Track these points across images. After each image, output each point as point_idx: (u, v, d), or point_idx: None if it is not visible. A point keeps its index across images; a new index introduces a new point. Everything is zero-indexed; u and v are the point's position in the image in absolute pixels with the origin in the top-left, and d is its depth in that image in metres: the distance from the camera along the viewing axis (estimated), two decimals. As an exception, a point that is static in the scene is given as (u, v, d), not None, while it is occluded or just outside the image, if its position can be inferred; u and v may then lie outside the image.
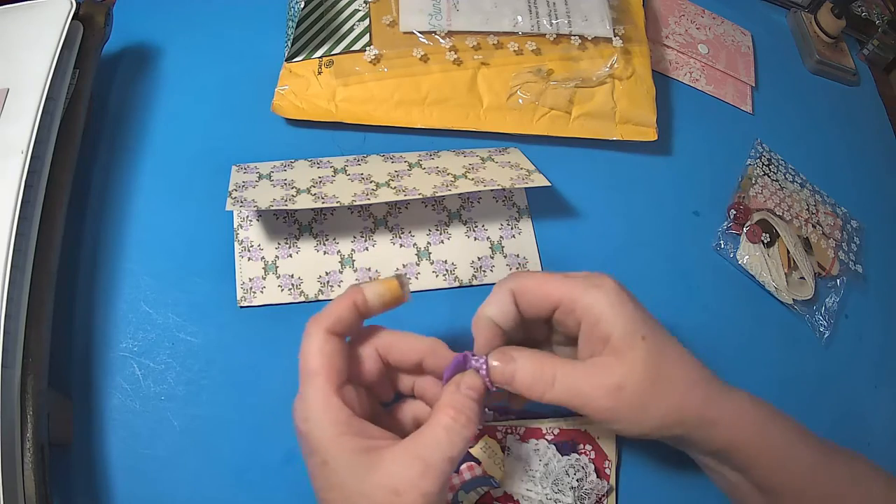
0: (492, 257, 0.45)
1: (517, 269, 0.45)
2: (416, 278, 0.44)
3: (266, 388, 0.40)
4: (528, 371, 0.31)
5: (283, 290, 0.42)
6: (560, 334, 0.36)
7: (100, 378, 0.38)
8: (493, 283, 0.44)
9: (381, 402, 0.35)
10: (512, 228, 0.46)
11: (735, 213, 0.52)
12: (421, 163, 0.46)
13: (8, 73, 0.37)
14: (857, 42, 0.71)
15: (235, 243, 0.43)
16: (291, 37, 0.47)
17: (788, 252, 0.51)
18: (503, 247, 0.46)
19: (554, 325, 0.35)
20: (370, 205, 0.45)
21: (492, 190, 0.47)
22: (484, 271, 0.45)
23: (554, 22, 0.50)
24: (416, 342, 0.33)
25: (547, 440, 0.40)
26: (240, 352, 0.40)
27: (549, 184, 0.43)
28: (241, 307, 0.41)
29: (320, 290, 0.42)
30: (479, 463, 0.38)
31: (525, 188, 0.48)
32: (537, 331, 0.36)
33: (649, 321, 0.32)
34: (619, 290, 0.32)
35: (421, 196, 0.41)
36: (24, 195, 0.34)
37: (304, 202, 0.40)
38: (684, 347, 0.33)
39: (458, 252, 0.45)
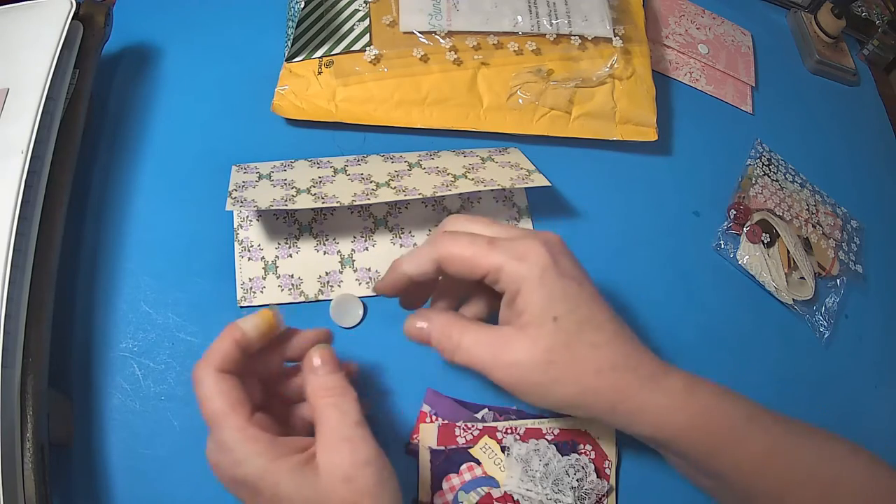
0: None
1: None
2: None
3: (266, 388, 0.40)
4: (437, 334, 0.33)
5: (283, 289, 0.42)
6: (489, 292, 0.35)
7: (100, 378, 0.38)
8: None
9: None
10: None
11: (735, 213, 0.52)
12: (421, 163, 0.46)
13: (8, 73, 0.37)
14: (857, 42, 0.71)
15: (235, 243, 0.43)
16: (291, 37, 0.47)
17: (788, 252, 0.51)
18: None
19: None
20: (370, 205, 0.45)
21: (492, 190, 0.47)
22: None
23: (554, 22, 0.50)
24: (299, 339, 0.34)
25: (547, 440, 0.40)
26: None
27: (549, 184, 0.43)
28: (242, 307, 0.41)
29: (320, 290, 0.42)
30: (478, 463, 0.38)
31: (525, 188, 0.48)
32: (469, 284, 0.36)
33: (572, 300, 0.31)
34: (546, 266, 0.31)
35: (421, 196, 0.41)
36: (24, 195, 0.34)
37: (304, 202, 0.40)
38: (615, 331, 0.31)
39: None
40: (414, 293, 0.37)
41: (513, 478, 0.38)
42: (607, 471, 0.40)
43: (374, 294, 0.39)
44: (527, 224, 0.47)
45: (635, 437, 0.33)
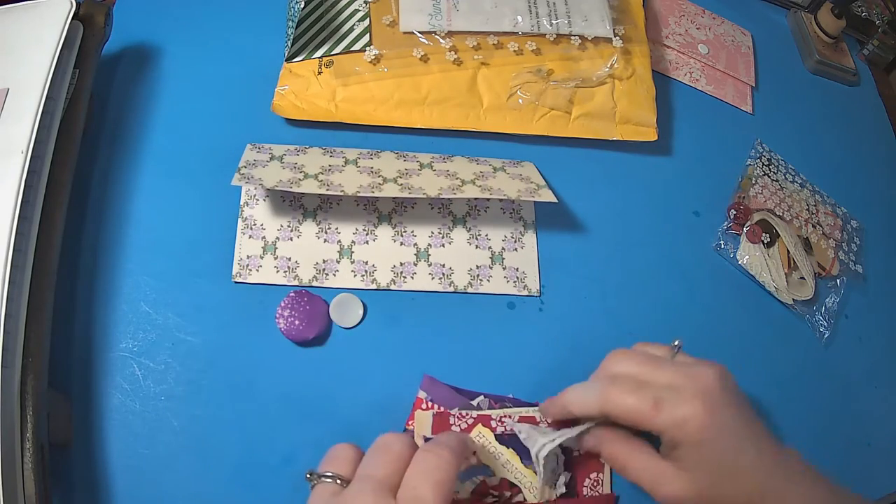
0: (491, 267, 0.45)
1: (514, 283, 0.45)
2: (412, 278, 0.44)
3: (265, 389, 0.40)
4: (608, 455, 0.37)
5: (278, 271, 0.42)
6: None
7: (100, 378, 0.38)
8: (488, 293, 0.45)
9: None
10: (515, 241, 0.46)
11: (735, 213, 0.52)
12: (433, 164, 0.46)
13: (8, 73, 0.37)
14: (857, 42, 0.71)
15: (239, 220, 0.44)
16: (291, 37, 0.47)
17: (788, 252, 0.51)
18: (504, 259, 0.46)
19: None
20: (376, 199, 0.46)
21: (500, 200, 0.47)
22: (481, 280, 0.45)
23: (554, 22, 0.50)
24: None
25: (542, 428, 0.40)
26: (239, 352, 0.40)
27: (556, 200, 0.44)
28: (235, 282, 0.42)
29: (315, 277, 0.43)
30: (473, 452, 0.38)
31: (534, 204, 0.48)
32: None
33: (721, 449, 0.34)
34: (702, 431, 0.34)
35: (426, 196, 0.41)
36: (24, 195, 0.34)
37: (308, 187, 0.41)
38: (754, 468, 0.34)
39: (457, 257, 0.45)
40: None
41: (507, 466, 0.38)
42: (602, 459, 0.40)
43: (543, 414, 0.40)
44: (531, 239, 0.47)
45: None
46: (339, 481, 0.31)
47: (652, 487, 0.35)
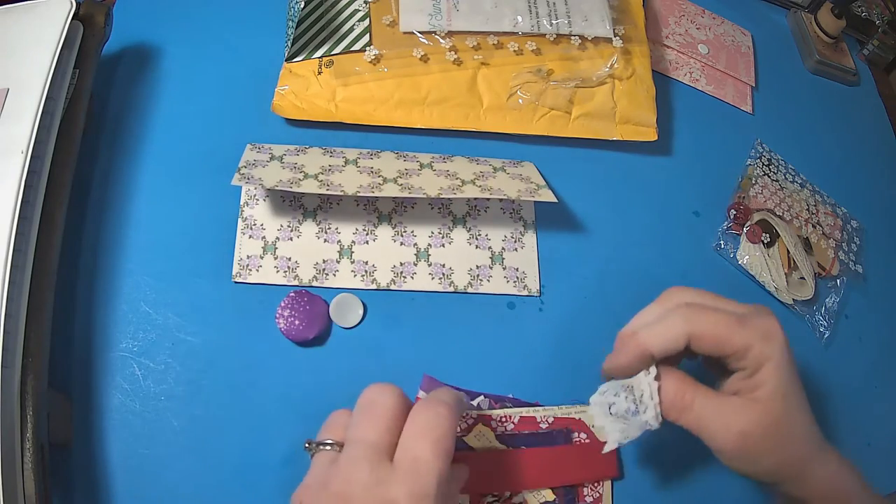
0: (490, 267, 0.45)
1: (514, 283, 0.45)
2: (412, 278, 0.44)
3: (265, 389, 0.40)
4: (670, 391, 0.34)
5: (278, 271, 0.42)
6: (712, 361, 0.37)
7: (100, 378, 0.38)
8: (488, 293, 0.45)
9: None
10: (515, 241, 0.46)
11: (735, 213, 0.52)
12: (433, 164, 0.46)
13: (8, 73, 0.37)
14: (857, 42, 0.71)
15: (239, 220, 0.44)
16: (291, 37, 0.47)
17: (788, 252, 0.51)
18: (503, 259, 0.46)
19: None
20: (376, 199, 0.46)
21: (500, 200, 0.47)
22: (481, 280, 0.45)
23: (554, 22, 0.50)
24: None
25: (541, 428, 0.40)
26: (240, 352, 0.40)
27: (556, 200, 0.44)
28: (235, 282, 0.42)
29: (314, 277, 0.43)
30: (473, 451, 0.38)
31: (534, 204, 0.48)
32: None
33: (793, 380, 0.33)
34: (785, 346, 0.33)
35: (426, 196, 0.41)
36: (24, 195, 0.34)
37: (308, 187, 0.41)
38: (805, 403, 0.34)
39: (457, 257, 0.45)
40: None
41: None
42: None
43: (605, 374, 0.36)
44: (531, 239, 0.47)
45: (780, 496, 0.36)
46: (338, 448, 0.30)
47: (723, 427, 0.33)
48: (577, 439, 0.40)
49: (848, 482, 0.35)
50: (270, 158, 0.44)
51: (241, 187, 0.44)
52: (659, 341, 0.33)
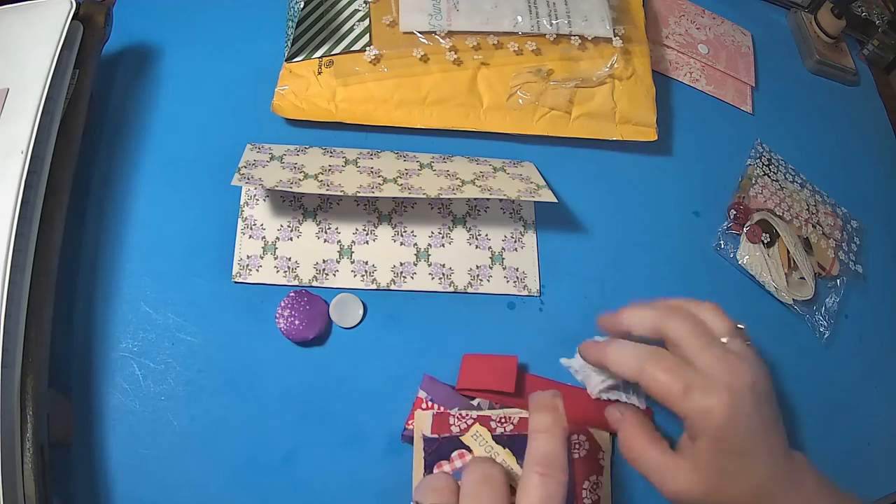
0: (490, 267, 0.45)
1: (514, 283, 0.45)
2: (412, 278, 0.44)
3: (266, 389, 0.40)
4: (623, 437, 0.38)
5: (278, 271, 0.42)
6: None
7: (100, 378, 0.38)
8: (488, 293, 0.45)
9: None
10: (515, 241, 0.46)
11: (735, 213, 0.52)
12: (433, 164, 0.46)
13: (8, 73, 0.37)
14: (857, 42, 0.71)
15: (239, 220, 0.44)
16: (291, 37, 0.47)
17: (788, 252, 0.51)
18: (503, 258, 0.46)
19: None
20: (376, 200, 0.46)
21: (500, 200, 0.47)
22: (481, 280, 0.45)
23: (554, 22, 0.50)
24: None
25: None
26: (240, 352, 0.40)
27: (556, 200, 0.44)
28: (235, 282, 0.42)
29: (314, 277, 0.43)
30: (469, 451, 0.38)
31: (534, 204, 0.48)
32: None
33: (738, 449, 0.34)
34: (725, 426, 0.33)
35: (425, 196, 0.41)
36: (23, 195, 0.34)
37: (308, 187, 0.41)
38: (767, 475, 0.34)
39: (457, 257, 0.45)
40: None
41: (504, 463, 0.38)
42: (601, 462, 0.40)
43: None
44: (531, 239, 0.47)
45: None
46: None
47: (661, 481, 0.35)
48: (576, 441, 0.41)
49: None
50: (270, 158, 0.44)
51: (241, 187, 0.44)
52: (619, 370, 0.36)
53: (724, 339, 0.37)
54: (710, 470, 0.34)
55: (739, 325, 0.38)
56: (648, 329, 0.37)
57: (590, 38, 0.50)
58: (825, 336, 0.50)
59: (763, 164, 0.56)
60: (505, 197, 0.43)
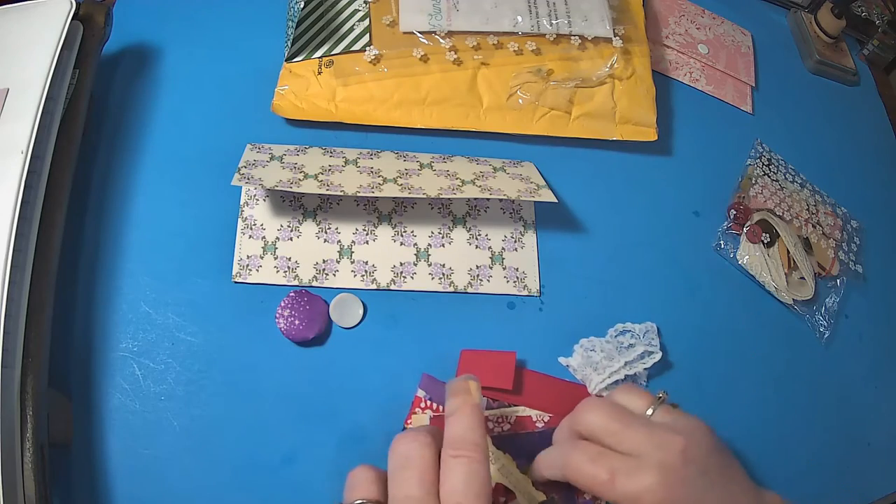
0: (490, 267, 0.45)
1: (514, 283, 0.45)
2: (412, 278, 0.44)
3: (265, 389, 0.40)
4: None
5: (278, 271, 0.42)
6: None
7: (100, 378, 0.38)
8: (488, 293, 0.45)
9: None
10: (515, 241, 0.46)
11: (735, 213, 0.52)
12: (433, 164, 0.46)
13: (8, 73, 0.37)
14: (857, 42, 0.71)
15: (239, 220, 0.44)
16: (291, 37, 0.47)
17: (788, 252, 0.51)
18: (503, 259, 0.46)
19: None
20: (376, 199, 0.46)
21: (500, 200, 0.47)
22: (481, 280, 0.45)
23: (554, 22, 0.50)
24: None
25: (538, 427, 0.40)
26: (240, 352, 0.40)
27: (556, 200, 0.44)
28: (235, 282, 0.42)
29: (314, 277, 0.43)
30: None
31: (534, 204, 0.48)
32: None
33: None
34: None
35: (426, 196, 0.41)
36: (23, 195, 0.34)
37: (308, 187, 0.41)
38: None
39: (457, 257, 0.45)
40: None
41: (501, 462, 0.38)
42: None
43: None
44: (531, 239, 0.47)
45: None
46: None
47: None
48: None
49: None
50: (270, 158, 0.44)
51: (241, 187, 0.44)
52: (547, 473, 0.36)
53: (648, 413, 0.36)
54: None
55: (660, 395, 0.37)
56: (557, 469, 0.35)
57: (590, 38, 0.50)
58: (825, 336, 0.50)
59: (763, 164, 0.56)
60: (505, 197, 0.43)
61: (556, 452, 0.36)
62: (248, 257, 0.43)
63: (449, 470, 0.29)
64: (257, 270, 0.42)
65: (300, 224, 0.44)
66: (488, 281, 0.45)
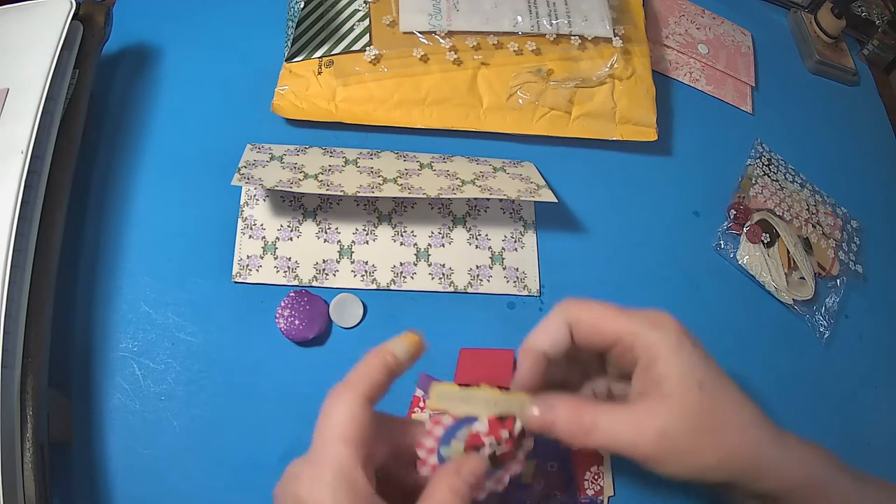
0: (490, 267, 0.45)
1: (514, 283, 0.45)
2: (412, 278, 0.44)
3: (265, 389, 0.40)
4: (566, 419, 0.30)
5: (278, 271, 0.43)
6: (614, 368, 0.34)
7: (100, 378, 0.38)
8: (488, 293, 0.45)
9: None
10: (515, 241, 0.46)
11: (735, 213, 0.52)
12: (432, 164, 0.46)
13: (8, 73, 0.37)
14: (857, 42, 0.71)
15: (239, 220, 0.44)
16: (291, 37, 0.47)
17: (788, 252, 0.51)
18: (503, 258, 0.46)
19: (608, 360, 0.34)
20: (376, 200, 0.46)
21: (500, 200, 0.47)
22: (481, 280, 0.45)
23: (554, 22, 0.50)
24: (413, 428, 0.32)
25: None
26: (240, 352, 0.40)
27: (556, 200, 0.44)
28: (235, 282, 0.42)
29: (315, 277, 0.43)
30: (441, 413, 0.33)
31: (534, 204, 0.48)
32: (589, 364, 0.35)
33: (708, 366, 0.30)
34: (680, 332, 0.30)
35: (426, 196, 0.41)
36: (23, 195, 0.34)
37: (309, 187, 0.41)
38: (740, 391, 0.31)
39: (457, 257, 0.45)
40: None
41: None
42: (601, 451, 0.40)
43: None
44: (531, 239, 0.47)
45: (742, 497, 0.32)
46: None
47: (637, 434, 0.29)
48: None
49: (819, 466, 0.31)
50: (270, 158, 0.44)
51: (241, 187, 0.44)
52: (542, 337, 0.32)
53: None
54: (690, 389, 0.29)
55: None
56: (559, 331, 0.32)
57: (590, 38, 0.50)
58: (825, 336, 0.50)
59: (763, 164, 0.56)
60: (505, 197, 0.43)
61: (550, 322, 0.32)
62: (248, 257, 0.43)
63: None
64: (257, 270, 0.42)
65: (300, 224, 0.44)
66: (488, 281, 0.45)
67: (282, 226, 0.44)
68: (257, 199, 0.45)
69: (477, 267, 0.45)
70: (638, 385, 0.31)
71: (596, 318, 0.31)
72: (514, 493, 0.39)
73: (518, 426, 0.31)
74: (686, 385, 0.29)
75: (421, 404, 0.40)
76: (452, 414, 0.32)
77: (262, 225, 0.44)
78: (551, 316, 0.32)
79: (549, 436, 0.31)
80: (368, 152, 0.47)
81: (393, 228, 0.45)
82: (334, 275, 0.43)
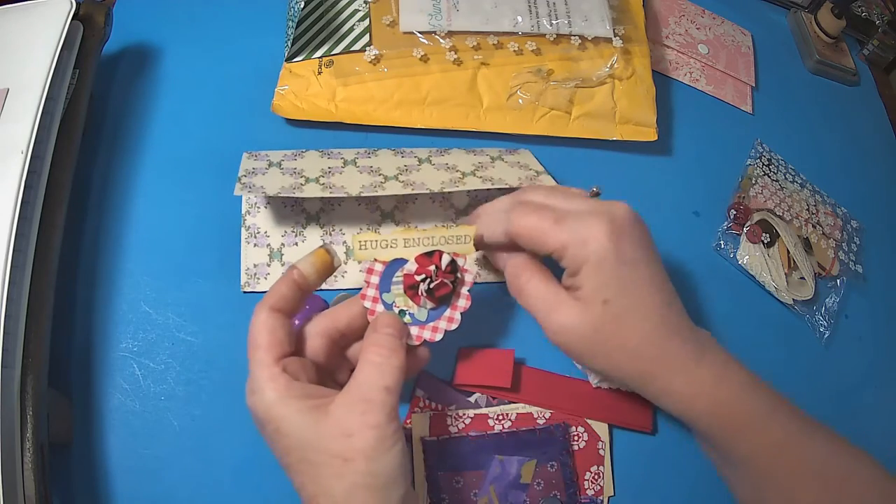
0: None
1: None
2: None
3: (266, 388, 0.40)
4: (510, 270, 0.36)
5: None
6: None
7: (100, 378, 0.38)
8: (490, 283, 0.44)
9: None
10: None
11: (735, 213, 0.52)
12: (431, 159, 0.46)
13: (8, 73, 0.37)
14: (857, 42, 0.71)
15: (242, 229, 0.43)
16: (291, 37, 0.47)
17: (788, 252, 0.51)
18: None
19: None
20: (378, 198, 0.45)
21: (500, 189, 0.47)
22: (482, 275, 0.45)
23: (554, 22, 0.50)
24: (346, 309, 0.35)
25: (539, 425, 0.40)
26: (240, 352, 0.40)
27: (556, 184, 0.44)
28: (245, 292, 0.42)
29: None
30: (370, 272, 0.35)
31: None
32: None
33: (624, 286, 0.33)
34: (604, 252, 0.32)
35: (429, 191, 0.41)
36: (23, 195, 0.34)
37: (312, 191, 0.41)
38: (658, 321, 0.33)
39: None
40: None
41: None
42: (601, 452, 0.40)
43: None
44: None
45: (673, 413, 0.35)
46: None
47: (545, 315, 0.34)
48: (575, 433, 0.41)
49: (747, 396, 0.34)
50: (269, 165, 0.43)
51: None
52: (486, 232, 0.36)
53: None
54: (595, 303, 0.32)
55: (594, 189, 0.38)
56: (499, 234, 0.36)
57: (590, 38, 0.50)
58: (825, 336, 0.50)
59: (763, 164, 0.56)
60: (507, 186, 0.42)
61: (497, 215, 0.36)
62: (254, 266, 0.42)
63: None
64: (265, 278, 0.42)
65: (304, 228, 0.44)
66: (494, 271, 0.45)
67: (286, 231, 0.44)
68: (258, 207, 0.44)
69: (483, 257, 0.45)
70: (565, 280, 0.35)
71: (531, 235, 0.34)
72: (514, 493, 0.39)
73: (446, 259, 0.34)
74: (592, 298, 0.33)
75: (421, 405, 0.40)
76: (380, 260, 0.35)
77: (265, 232, 0.43)
78: (496, 220, 0.36)
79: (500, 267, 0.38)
80: (366, 151, 0.47)
81: (397, 225, 0.45)
82: (342, 276, 0.43)
